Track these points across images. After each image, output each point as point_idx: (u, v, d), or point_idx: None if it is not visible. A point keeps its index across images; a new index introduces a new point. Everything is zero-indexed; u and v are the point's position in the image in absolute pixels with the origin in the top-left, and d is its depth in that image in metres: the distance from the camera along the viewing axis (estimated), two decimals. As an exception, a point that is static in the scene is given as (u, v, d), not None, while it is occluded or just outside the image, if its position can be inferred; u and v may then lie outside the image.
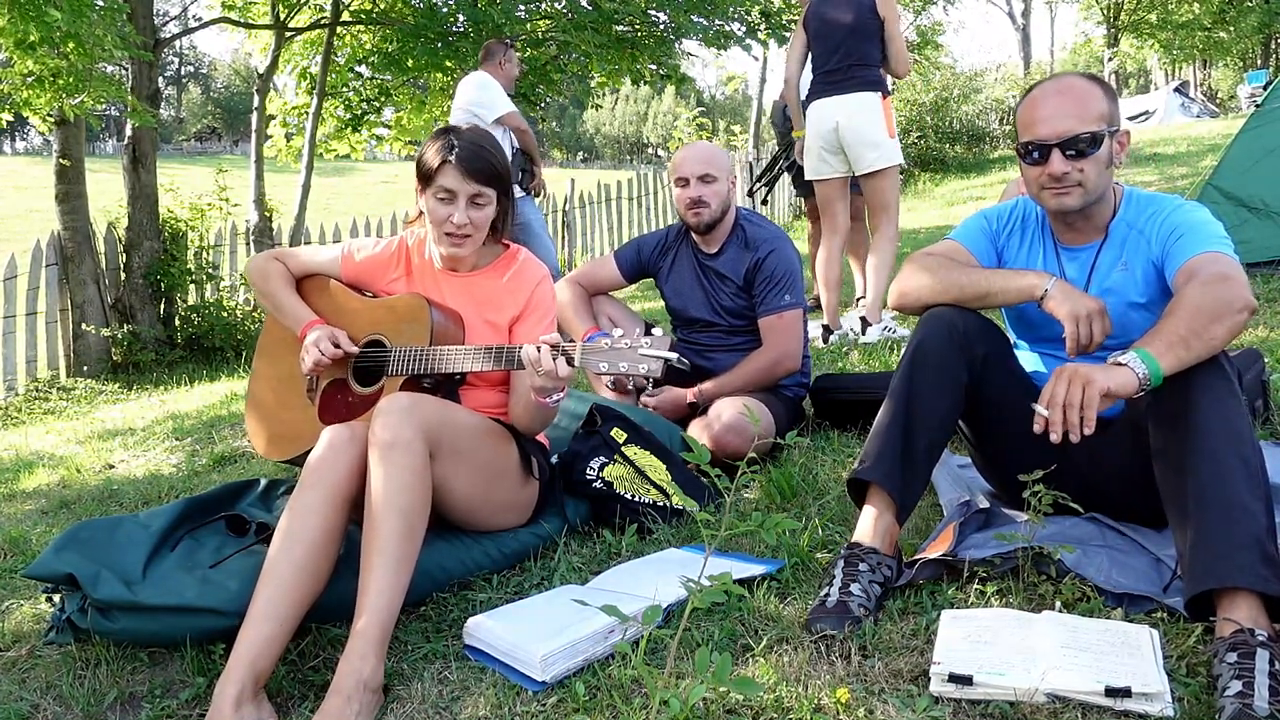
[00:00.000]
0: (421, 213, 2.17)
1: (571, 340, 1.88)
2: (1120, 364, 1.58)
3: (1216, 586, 1.43)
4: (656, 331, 1.84)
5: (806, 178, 4.46)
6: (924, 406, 1.82)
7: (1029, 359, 2.04)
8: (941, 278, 1.91)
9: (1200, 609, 1.49)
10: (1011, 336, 2.09)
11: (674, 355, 1.81)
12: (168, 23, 13.47)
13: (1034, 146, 1.82)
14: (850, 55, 4.12)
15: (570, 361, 1.84)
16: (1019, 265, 1.99)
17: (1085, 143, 1.78)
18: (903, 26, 4.50)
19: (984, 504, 2.05)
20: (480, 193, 2.06)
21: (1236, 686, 1.31)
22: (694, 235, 2.97)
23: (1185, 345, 1.57)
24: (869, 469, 1.80)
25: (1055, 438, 1.58)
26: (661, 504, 2.31)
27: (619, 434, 2.37)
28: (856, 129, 4.09)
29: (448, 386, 2.11)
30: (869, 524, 1.80)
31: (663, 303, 3.14)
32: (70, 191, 6.71)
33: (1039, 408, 1.60)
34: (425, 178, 2.08)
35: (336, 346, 2.11)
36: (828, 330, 4.19)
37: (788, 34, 8.25)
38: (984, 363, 1.86)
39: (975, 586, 1.76)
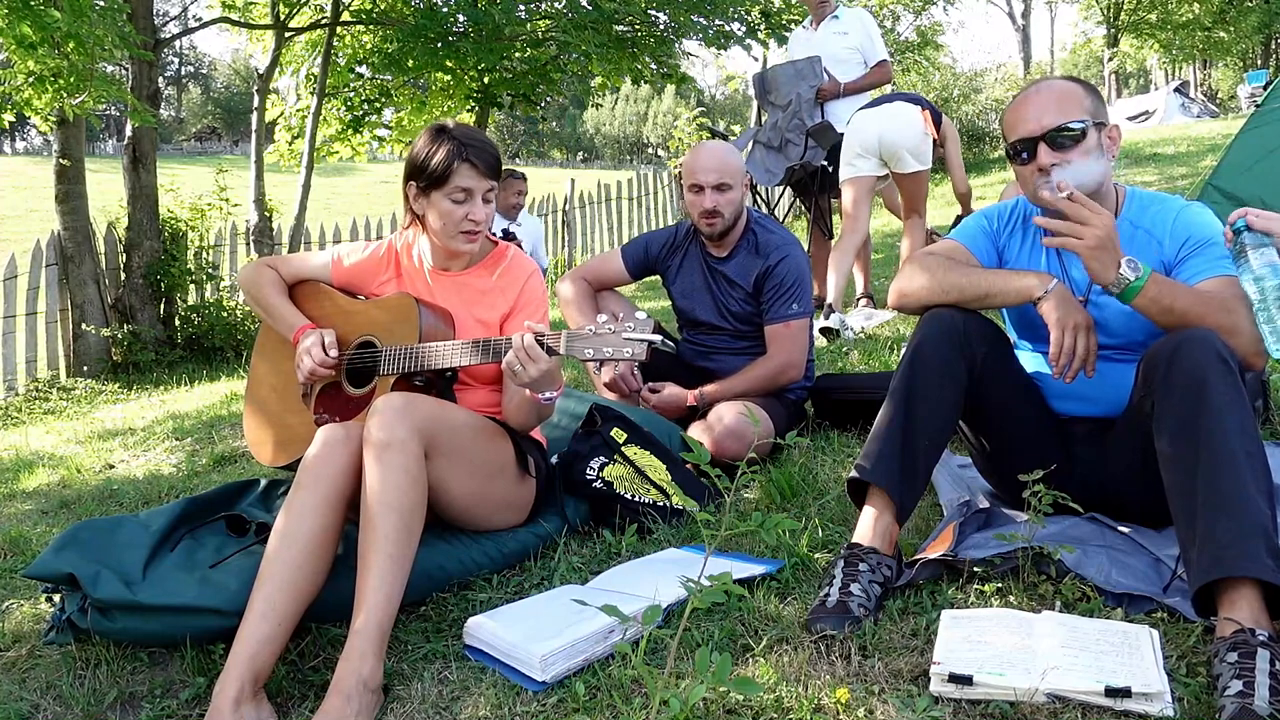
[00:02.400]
0: (418, 218, 2.17)
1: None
2: (1123, 262, 1.66)
3: (1225, 576, 1.43)
4: (640, 314, 1.84)
5: (842, 179, 4.60)
6: (924, 407, 1.81)
7: (1030, 360, 2.03)
8: (941, 278, 1.90)
9: (1205, 604, 1.49)
10: (1012, 337, 2.09)
11: (658, 338, 1.82)
12: (168, 23, 13.49)
13: (1020, 145, 1.84)
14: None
15: (554, 350, 1.84)
16: (1020, 266, 1.99)
17: (1068, 133, 1.80)
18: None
19: (984, 504, 2.05)
20: (492, 187, 2.10)
21: (1237, 686, 1.31)
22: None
23: (1176, 307, 1.66)
24: (869, 470, 1.80)
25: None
26: (661, 504, 2.31)
27: (619, 434, 2.37)
28: (899, 134, 4.41)
29: (441, 385, 2.11)
30: (869, 524, 1.79)
31: (668, 302, 3.13)
32: (70, 191, 6.70)
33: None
34: (436, 180, 2.06)
35: (326, 351, 2.12)
36: (830, 309, 4.21)
37: (788, 34, 8.25)
38: (984, 362, 1.86)
39: (975, 586, 1.76)
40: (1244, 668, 1.32)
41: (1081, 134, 1.81)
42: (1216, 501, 1.49)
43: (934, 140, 4.53)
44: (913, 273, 1.96)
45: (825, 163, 5.08)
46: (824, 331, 4.18)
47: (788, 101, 5.15)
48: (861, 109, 4.64)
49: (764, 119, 5.71)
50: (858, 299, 5.07)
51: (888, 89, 6.01)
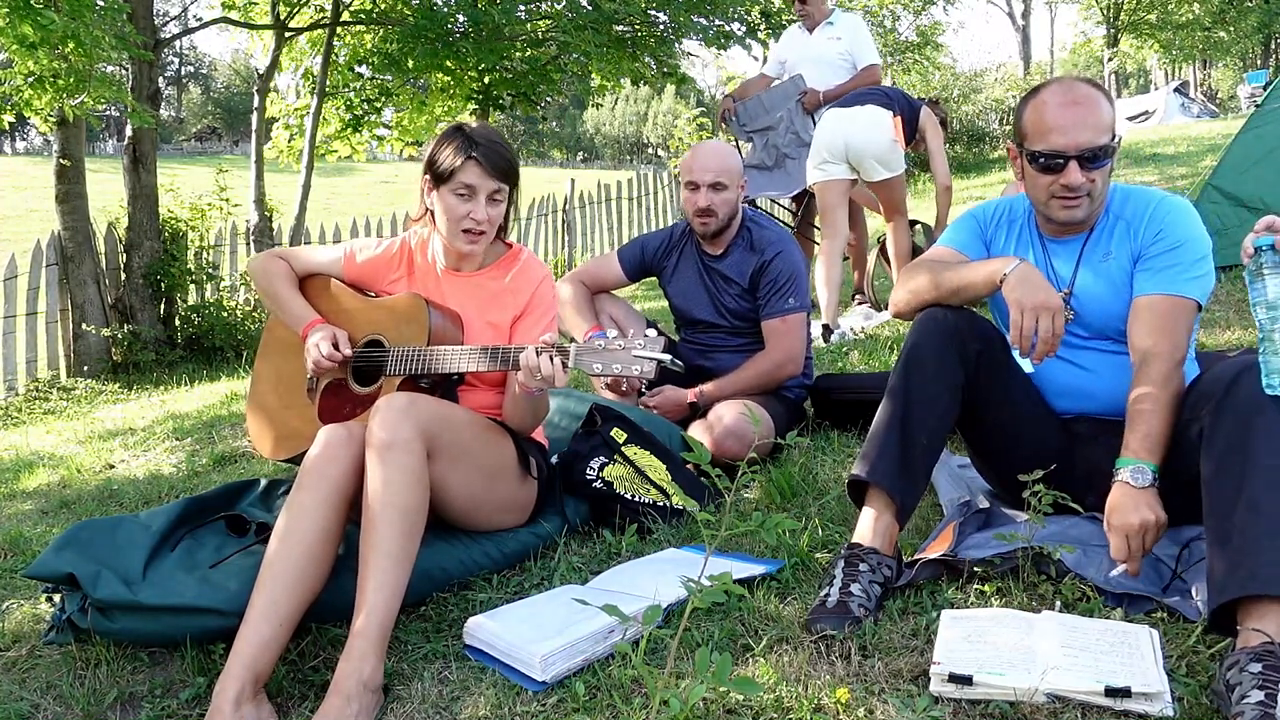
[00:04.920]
0: (428, 210, 2.17)
1: (572, 339, 1.89)
2: (1135, 488, 1.63)
3: (1263, 594, 1.41)
4: (650, 333, 1.85)
5: (810, 182, 4.54)
6: (921, 407, 1.82)
7: (1026, 361, 2.03)
8: (923, 281, 1.93)
9: (1223, 619, 1.46)
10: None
11: (667, 357, 1.82)
12: (168, 23, 13.49)
13: (1050, 156, 1.80)
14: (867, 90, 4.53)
15: (564, 361, 1.84)
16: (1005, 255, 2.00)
17: (1101, 154, 1.79)
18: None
19: (984, 504, 2.05)
20: (499, 189, 2.09)
21: (1258, 696, 1.29)
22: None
23: (1164, 440, 1.68)
24: (868, 470, 1.81)
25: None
26: (661, 504, 2.31)
27: (619, 434, 2.37)
28: (866, 142, 4.32)
29: (445, 387, 2.11)
30: (869, 524, 1.80)
31: (665, 302, 3.14)
32: (70, 191, 6.70)
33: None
34: (442, 175, 2.08)
35: (336, 348, 2.12)
36: (828, 330, 4.22)
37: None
38: (978, 360, 1.86)
39: (975, 586, 1.76)
40: (1268, 679, 1.30)
41: (1111, 152, 1.80)
42: (1259, 521, 1.45)
43: (903, 150, 4.48)
44: (901, 283, 2.01)
45: None
46: (825, 328, 4.19)
47: (778, 119, 5.13)
48: (832, 106, 4.55)
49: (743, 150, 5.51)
50: (853, 294, 5.08)
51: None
